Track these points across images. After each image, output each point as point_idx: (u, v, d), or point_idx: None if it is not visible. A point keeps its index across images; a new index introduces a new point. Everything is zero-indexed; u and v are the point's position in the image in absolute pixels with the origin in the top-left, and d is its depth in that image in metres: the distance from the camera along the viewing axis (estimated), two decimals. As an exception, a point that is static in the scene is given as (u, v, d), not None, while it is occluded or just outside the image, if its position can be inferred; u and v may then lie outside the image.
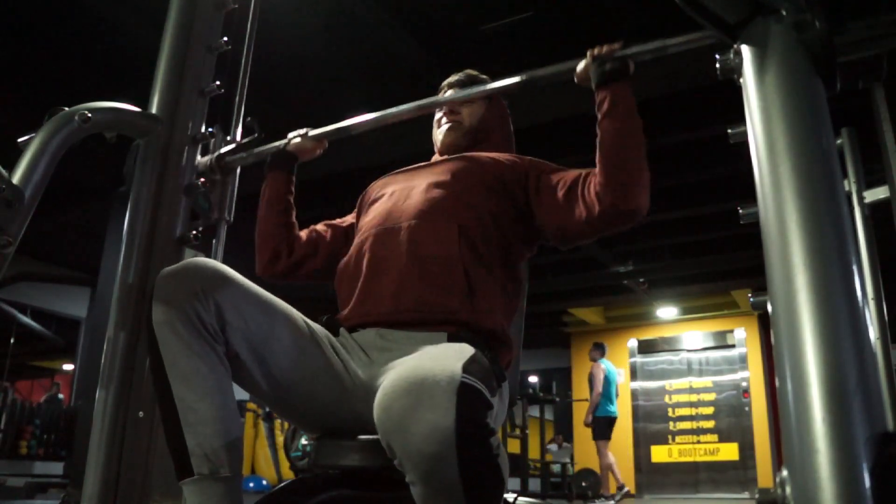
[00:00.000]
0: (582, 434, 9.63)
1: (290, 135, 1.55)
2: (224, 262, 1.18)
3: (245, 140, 1.48)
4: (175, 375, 1.01)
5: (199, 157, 1.38)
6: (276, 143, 1.55)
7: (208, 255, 1.38)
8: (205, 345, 1.02)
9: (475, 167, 1.36)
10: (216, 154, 1.45)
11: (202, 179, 1.33)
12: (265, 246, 1.50)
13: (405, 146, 4.10)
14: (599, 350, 7.72)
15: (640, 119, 1.24)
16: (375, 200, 1.41)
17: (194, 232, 1.27)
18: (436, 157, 1.52)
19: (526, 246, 1.37)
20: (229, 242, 1.45)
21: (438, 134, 1.50)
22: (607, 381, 7.35)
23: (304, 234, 1.52)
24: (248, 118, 1.50)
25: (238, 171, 1.50)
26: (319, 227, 1.53)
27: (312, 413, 1.17)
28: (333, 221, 1.54)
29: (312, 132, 1.53)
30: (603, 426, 7.24)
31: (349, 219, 1.54)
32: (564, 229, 1.29)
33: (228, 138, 1.49)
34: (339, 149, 1.77)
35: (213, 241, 1.44)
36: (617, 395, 7.57)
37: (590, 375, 7.56)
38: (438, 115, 1.53)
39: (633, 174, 1.21)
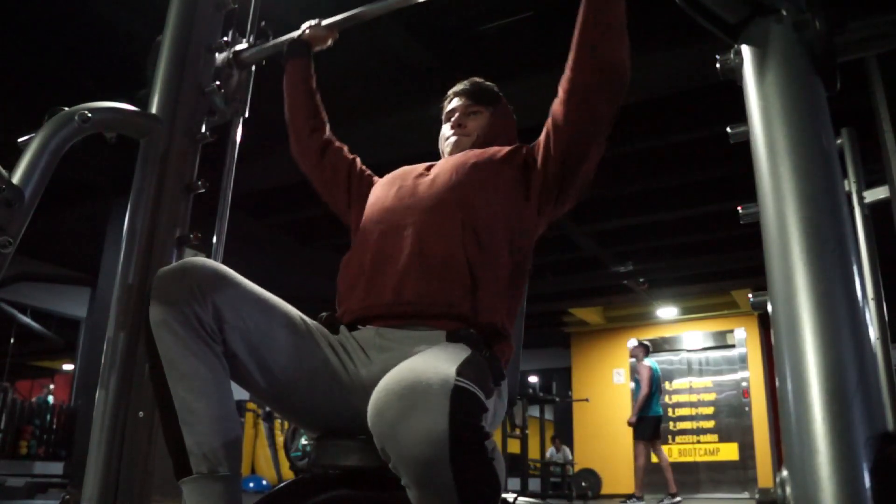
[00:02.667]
0: (582, 434, 9.65)
1: (304, 25, 1.60)
2: (224, 262, 1.18)
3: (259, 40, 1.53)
4: (173, 375, 1.01)
5: (217, 57, 1.42)
6: (290, 35, 1.60)
7: (208, 256, 1.38)
8: (203, 344, 1.02)
9: (480, 162, 1.37)
10: (233, 50, 1.49)
11: (217, 83, 1.37)
12: (299, 115, 1.57)
13: (406, 146, 4.10)
14: (644, 349, 7.43)
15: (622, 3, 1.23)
16: (379, 197, 1.41)
17: (201, 183, 1.31)
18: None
19: (533, 235, 1.35)
20: (229, 241, 1.45)
21: (446, 147, 1.50)
22: (655, 379, 7.12)
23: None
24: (263, 23, 1.55)
25: (253, 68, 1.54)
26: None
27: (311, 412, 1.17)
28: (348, 155, 1.58)
29: (325, 21, 1.57)
30: (652, 425, 6.99)
31: (359, 164, 1.57)
32: (559, 136, 1.28)
33: (244, 41, 1.53)
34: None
35: (213, 241, 1.44)
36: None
37: (634, 375, 7.38)
38: (445, 127, 1.53)
39: (605, 31, 1.20)
